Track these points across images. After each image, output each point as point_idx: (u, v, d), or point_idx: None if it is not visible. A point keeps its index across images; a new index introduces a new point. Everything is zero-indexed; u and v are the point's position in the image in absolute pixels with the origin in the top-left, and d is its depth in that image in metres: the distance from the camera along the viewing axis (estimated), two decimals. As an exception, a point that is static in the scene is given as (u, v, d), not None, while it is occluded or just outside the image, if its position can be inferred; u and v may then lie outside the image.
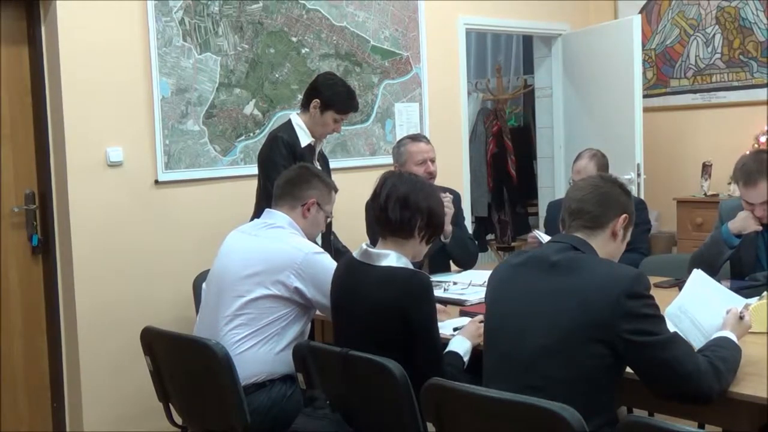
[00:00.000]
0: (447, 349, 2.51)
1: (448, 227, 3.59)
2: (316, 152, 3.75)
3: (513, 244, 7.11)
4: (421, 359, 2.36)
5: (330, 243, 3.72)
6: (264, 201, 3.37)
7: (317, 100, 3.64)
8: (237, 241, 2.92)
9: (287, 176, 2.98)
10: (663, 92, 6.19)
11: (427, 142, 3.81)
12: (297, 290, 2.74)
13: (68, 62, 3.80)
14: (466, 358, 2.50)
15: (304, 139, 3.65)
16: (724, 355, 2.09)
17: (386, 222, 2.49)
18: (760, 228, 3.18)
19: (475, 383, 2.09)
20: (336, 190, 3.06)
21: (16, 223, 3.87)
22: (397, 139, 4.25)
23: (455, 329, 2.72)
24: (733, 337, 2.20)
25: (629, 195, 2.31)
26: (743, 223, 3.19)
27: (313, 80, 3.84)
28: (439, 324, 2.53)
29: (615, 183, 2.30)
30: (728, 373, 2.07)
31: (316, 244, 2.99)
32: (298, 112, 3.77)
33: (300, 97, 4.03)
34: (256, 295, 2.74)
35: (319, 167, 3.56)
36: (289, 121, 3.72)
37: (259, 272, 2.74)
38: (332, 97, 3.65)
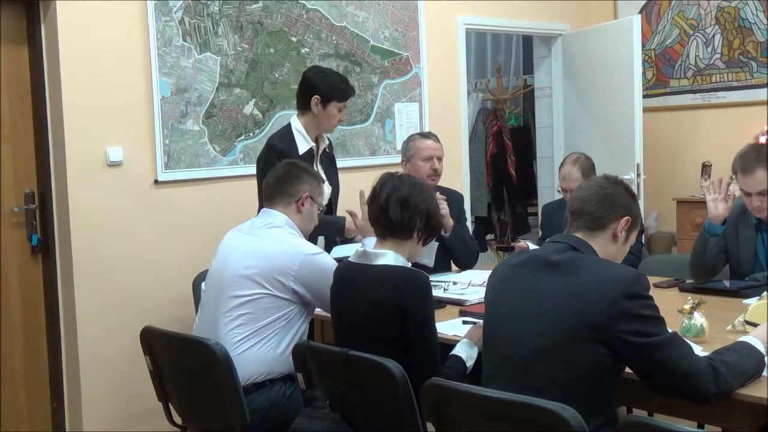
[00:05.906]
0: (451, 353, 2.50)
1: (449, 221, 3.62)
2: (318, 156, 3.68)
3: (513, 244, 7.09)
4: (418, 358, 2.36)
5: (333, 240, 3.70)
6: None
7: (317, 96, 3.59)
8: (235, 241, 2.92)
9: (276, 175, 2.97)
10: (663, 92, 6.19)
11: (436, 140, 3.85)
12: (295, 291, 2.75)
13: (68, 62, 3.79)
14: (469, 363, 2.49)
15: (303, 145, 3.56)
16: (729, 359, 2.06)
17: (386, 222, 2.50)
18: (724, 211, 3.21)
19: (475, 384, 2.09)
20: (324, 182, 3.06)
21: (16, 223, 3.87)
22: (398, 139, 4.25)
23: (464, 323, 2.74)
24: (755, 342, 2.16)
25: (634, 197, 2.29)
26: (711, 205, 3.23)
27: (303, 79, 3.68)
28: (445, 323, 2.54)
29: (620, 184, 2.28)
30: (732, 376, 2.03)
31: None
32: (298, 114, 3.67)
33: (300, 97, 4.01)
34: (255, 294, 2.74)
35: (321, 171, 3.53)
36: (289, 125, 3.63)
37: (258, 272, 2.75)
38: (329, 88, 3.59)
